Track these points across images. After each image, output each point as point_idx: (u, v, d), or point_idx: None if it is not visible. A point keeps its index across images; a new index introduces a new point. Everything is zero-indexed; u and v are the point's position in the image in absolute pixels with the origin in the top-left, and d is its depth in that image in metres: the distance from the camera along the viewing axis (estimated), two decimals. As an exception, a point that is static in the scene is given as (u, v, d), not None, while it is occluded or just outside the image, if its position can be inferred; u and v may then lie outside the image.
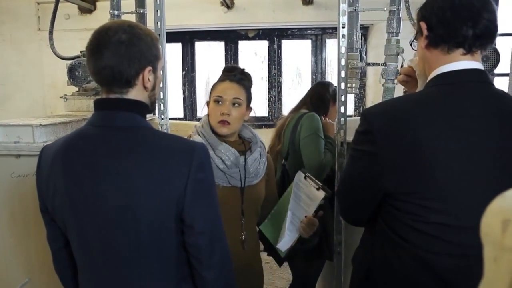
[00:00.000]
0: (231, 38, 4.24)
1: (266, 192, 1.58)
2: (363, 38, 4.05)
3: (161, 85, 1.09)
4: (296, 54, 4.27)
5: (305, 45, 4.25)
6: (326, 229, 1.90)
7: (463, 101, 0.99)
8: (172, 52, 4.20)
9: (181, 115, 4.31)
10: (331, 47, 4.23)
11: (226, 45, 4.27)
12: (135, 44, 0.95)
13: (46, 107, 4.13)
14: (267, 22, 3.95)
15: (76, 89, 2.50)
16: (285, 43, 4.25)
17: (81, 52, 2.30)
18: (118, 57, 0.94)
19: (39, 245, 1.89)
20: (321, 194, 1.48)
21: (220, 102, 1.49)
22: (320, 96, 2.15)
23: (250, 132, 1.58)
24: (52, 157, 0.99)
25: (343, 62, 1.66)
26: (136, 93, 0.99)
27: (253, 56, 4.27)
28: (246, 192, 1.48)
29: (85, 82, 2.14)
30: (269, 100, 4.29)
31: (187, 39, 4.27)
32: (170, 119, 2.13)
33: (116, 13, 2.12)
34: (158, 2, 1.73)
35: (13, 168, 1.86)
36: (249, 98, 1.55)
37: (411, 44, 1.23)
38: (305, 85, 4.29)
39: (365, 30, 4.04)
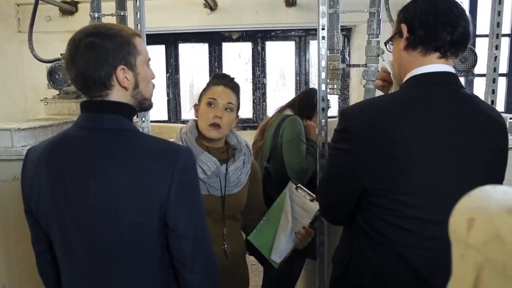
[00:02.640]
0: (215, 39, 4.24)
1: (249, 199, 1.56)
2: (346, 40, 4.09)
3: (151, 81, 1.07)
4: (280, 56, 4.29)
5: (289, 46, 4.27)
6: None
7: (435, 102, 1.04)
8: (156, 54, 4.17)
9: (166, 118, 4.28)
10: (315, 48, 4.26)
11: (210, 47, 4.26)
12: (98, 45, 0.93)
13: (28, 110, 4.06)
14: (250, 23, 3.95)
15: (57, 92, 2.47)
16: (269, 45, 4.26)
17: (61, 54, 2.27)
18: (85, 63, 0.93)
19: (18, 250, 1.86)
20: (316, 205, 1.49)
21: (213, 105, 1.47)
22: (309, 99, 2.17)
23: (235, 139, 1.56)
24: (37, 159, 0.98)
25: (323, 63, 1.68)
26: (117, 95, 0.98)
27: (237, 57, 4.27)
28: (227, 201, 1.47)
29: (66, 85, 2.11)
30: (253, 102, 4.29)
31: (171, 41, 4.24)
32: (154, 121, 2.12)
33: (96, 15, 2.10)
34: (138, 4, 1.73)
35: (-9, 172, 1.83)
36: (239, 106, 1.56)
37: (385, 45, 1.25)
38: (289, 87, 4.31)
39: (348, 32, 4.08)
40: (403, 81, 1.12)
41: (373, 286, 1.06)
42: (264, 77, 4.28)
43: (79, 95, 2.40)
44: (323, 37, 1.65)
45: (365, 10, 2.15)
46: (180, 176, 0.93)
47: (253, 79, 4.27)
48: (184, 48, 4.33)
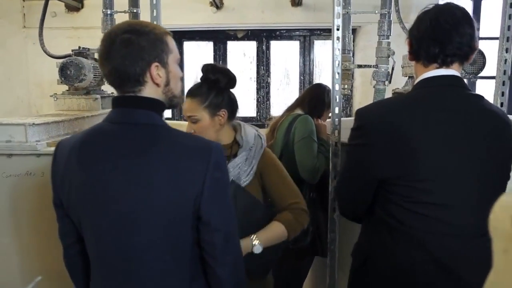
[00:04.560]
0: (219, 38, 4.25)
1: (271, 188, 1.49)
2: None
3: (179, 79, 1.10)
4: (285, 55, 4.30)
5: (293, 46, 4.28)
6: (318, 227, 1.95)
7: (442, 99, 1.15)
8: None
9: (169, 115, 4.29)
10: (319, 48, 4.28)
11: (214, 45, 4.27)
12: (135, 42, 0.95)
13: (32, 106, 4.06)
14: (256, 22, 3.96)
15: (66, 88, 2.48)
16: (274, 44, 4.28)
17: (72, 51, 2.28)
18: (121, 58, 0.95)
19: (30, 244, 1.87)
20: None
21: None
22: (318, 98, 2.19)
23: (240, 135, 1.52)
24: (68, 152, 0.99)
25: (337, 63, 1.69)
26: (149, 91, 0.99)
27: (241, 56, 4.28)
28: None
29: (77, 81, 2.12)
30: (257, 101, 4.30)
31: (176, 38, 4.15)
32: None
33: (109, 12, 2.11)
34: (155, 2, 1.74)
35: (5, 167, 1.84)
36: (211, 105, 1.46)
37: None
38: (293, 86, 4.33)
39: (352, 32, 4.09)
40: (413, 85, 1.24)
41: (393, 274, 1.11)
42: (268, 76, 4.29)
43: (89, 91, 2.40)
44: (338, 38, 1.67)
45: (376, 11, 2.17)
46: (213, 172, 0.95)
47: (257, 78, 4.29)
48: (189, 46, 4.33)
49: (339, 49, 1.69)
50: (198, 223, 0.97)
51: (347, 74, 2.13)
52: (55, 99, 2.40)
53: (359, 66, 2.06)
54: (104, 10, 2.09)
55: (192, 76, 4.32)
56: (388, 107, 1.18)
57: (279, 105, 4.37)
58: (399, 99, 1.23)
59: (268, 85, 4.30)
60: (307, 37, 4.25)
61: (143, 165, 0.94)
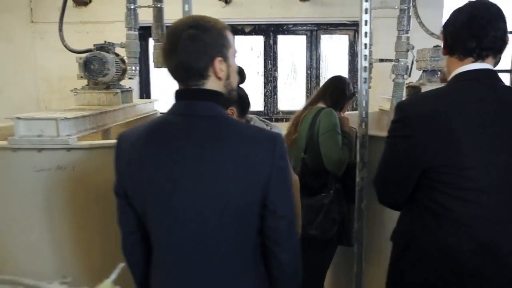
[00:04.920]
0: (227, 33, 4.26)
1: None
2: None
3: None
4: (291, 49, 4.33)
5: (300, 40, 4.31)
6: (343, 217, 2.00)
7: (480, 91, 1.21)
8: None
9: (178, 110, 4.31)
10: (326, 42, 4.31)
11: (222, 39, 4.28)
12: (200, 37, 0.99)
13: (40, 101, 4.05)
14: (264, 17, 3.99)
15: (76, 82, 2.48)
16: (281, 38, 4.30)
17: (94, 45, 2.29)
18: (187, 53, 0.98)
19: (62, 238, 1.90)
20: None
21: None
22: (340, 91, 2.22)
23: None
24: (131, 144, 1.02)
25: (365, 57, 1.73)
26: (212, 84, 1.03)
27: (249, 51, 4.31)
28: None
29: (101, 76, 2.13)
30: (264, 95, 4.34)
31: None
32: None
33: (132, 7, 2.13)
34: (186, -4, 1.76)
35: (35, 162, 1.86)
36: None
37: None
38: (300, 80, 4.37)
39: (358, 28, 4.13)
40: (448, 79, 1.30)
41: (440, 255, 1.16)
42: (276, 70, 4.32)
43: (109, 86, 2.42)
44: (366, 33, 1.71)
45: (396, 7, 2.20)
46: (279, 161, 0.99)
47: (264, 72, 4.31)
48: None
49: (366, 44, 1.73)
50: (264, 211, 1.01)
51: (370, 68, 2.17)
52: (75, 93, 2.41)
53: (381, 60, 2.10)
54: (128, 5, 2.10)
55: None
56: (430, 100, 1.24)
57: (286, 99, 4.41)
58: (440, 92, 1.28)
59: (275, 79, 4.33)
60: (314, 32, 4.29)
61: (211, 155, 0.97)
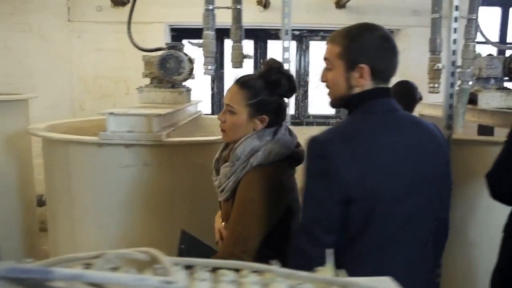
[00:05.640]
0: (260, 36, 4.31)
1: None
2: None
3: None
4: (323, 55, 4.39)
5: (332, 46, 4.38)
6: None
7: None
8: (199, 49, 4.19)
9: (209, 111, 4.34)
10: (356, 49, 4.39)
11: (255, 43, 4.33)
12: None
13: (74, 100, 4.03)
14: (300, 23, 4.04)
15: (148, 81, 2.51)
16: (313, 44, 4.37)
17: (166, 44, 2.32)
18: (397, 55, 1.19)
19: (143, 236, 1.90)
20: None
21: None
22: (410, 96, 2.28)
23: (243, 147, 1.27)
24: (344, 147, 1.03)
25: (454, 62, 1.79)
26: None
27: (281, 55, 4.35)
28: (222, 207, 1.38)
29: (176, 74, 2.16)
30: (296, 99, 4.39)
31: (218, 36, 4.28)
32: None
33: (210, 7, 2.16)
34: (287, -1, 1.80)
35: (122, 157, 1.87)
36: (256, 105, 1.27)
37: None
38: (331, 85, 4.42)
39: (390, 34, 4.22)
40: None
41: None
42: (307, 75, 4.38)
43: (174, 85, 2.44)
44: (455, 40, 1.77)
45: (462, 17, 2.26)
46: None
47: (296, 77, 4.37)
48: (229, 44, 4.37)
49: (455, 40, 1.78)
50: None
51: (437, 74, 2.23)
52: (140, 91, 2.43)
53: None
54: (206, 6, 2.13)
55: (232, 73, 4.37)
56: None
57: (317, 104, 4.46)
58: None
59: (306, 83, 4.39)
60: (346, 38, 4.36)
61: (419, 141, 1.09)
